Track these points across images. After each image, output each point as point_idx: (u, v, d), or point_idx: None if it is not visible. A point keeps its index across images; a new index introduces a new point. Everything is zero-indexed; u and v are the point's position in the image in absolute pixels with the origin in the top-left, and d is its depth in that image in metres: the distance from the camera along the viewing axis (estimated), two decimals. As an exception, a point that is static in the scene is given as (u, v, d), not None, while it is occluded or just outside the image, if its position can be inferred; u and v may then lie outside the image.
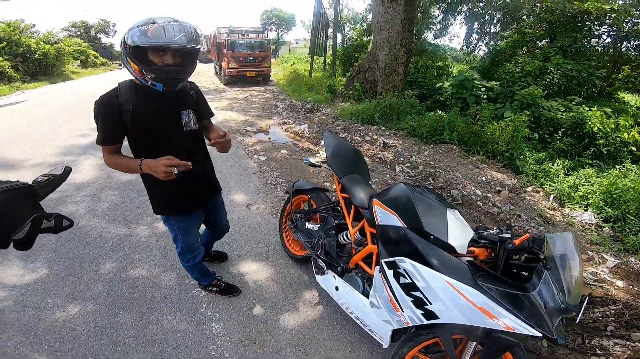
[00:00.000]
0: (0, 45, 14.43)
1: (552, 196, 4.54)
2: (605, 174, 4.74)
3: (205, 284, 2.25)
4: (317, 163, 3.50)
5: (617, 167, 5.11)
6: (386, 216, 1.70)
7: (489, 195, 4.08)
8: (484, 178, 4.54)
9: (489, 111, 5.94)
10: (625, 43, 9.83)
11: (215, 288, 2.26)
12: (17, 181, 0.58)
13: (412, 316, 1.54)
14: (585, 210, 4.24)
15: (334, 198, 3.52)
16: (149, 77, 1.35)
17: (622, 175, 4.55)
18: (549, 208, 4.26)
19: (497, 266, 1.43)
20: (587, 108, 6.16)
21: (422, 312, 1.48)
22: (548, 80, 6.95)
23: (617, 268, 3.14)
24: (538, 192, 4.65)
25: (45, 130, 6.32)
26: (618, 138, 5.70)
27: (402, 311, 1.57)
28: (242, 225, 3.07)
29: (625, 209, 3.91)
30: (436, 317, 1.44)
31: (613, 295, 2.71)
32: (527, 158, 5.17)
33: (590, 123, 5.68)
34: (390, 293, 1.61)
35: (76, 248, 2.71)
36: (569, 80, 7.04)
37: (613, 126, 5.80)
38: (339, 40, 15.19)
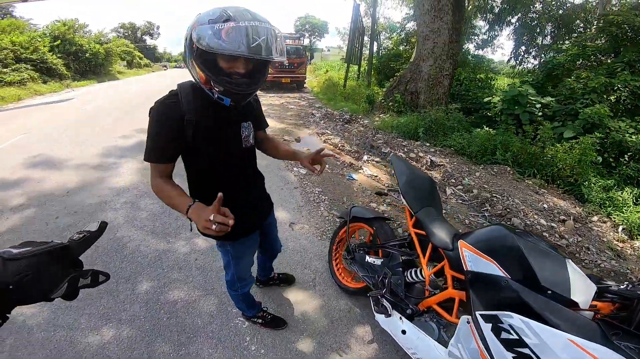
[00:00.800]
0: (55, 44, 15.29)
1: (620, 228, 4.03)
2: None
3: (250, 315, 2.03)
4: (384, 191, 3.26)
5: None
6: (480, 263, 1.45)
7: (553, 224, 3.64)
8: (545, 206, 4.07)
9: (549, 131, 5.42)
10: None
11: (260, 320, 2.04)
12: (52, 241, 0.59)
13: None
14: None
15: (399, 228, 3.24)
16: (217, 89, 1.09)
17: None
18: (617, 240, 3.75)
19: (630, 323, 1.19)
20: None
21: None
22: (614, 98, 6.29)
23: None
24: (605, 222, 4.13)
25: (90, 129, 6.49)
26: None
27: None
28: (287, 247, 2.84)
29: None
30: None
31: None
32: (593, 185, 4.63)
33: None
34: (483, 347, 1.38)
35: (113, 261, 2.59)
36: (638, 99, 6.35)
37: None
38: (374, 49, 14.92)
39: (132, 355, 1.83)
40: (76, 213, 3.25)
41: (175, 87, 1.20)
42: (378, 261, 2.05)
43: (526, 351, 1.25)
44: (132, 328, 2.00)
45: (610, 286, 1.34)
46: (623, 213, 4.24)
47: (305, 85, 14.42)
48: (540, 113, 6.56)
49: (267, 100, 10.71)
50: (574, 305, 1.25)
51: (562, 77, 7.77)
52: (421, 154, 5.17)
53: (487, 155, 5.37)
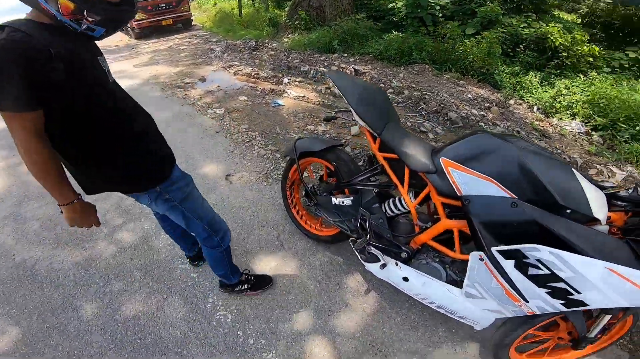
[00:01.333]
0: None
1: (535, 108, 4.46)
2: (581, 83, 4.76)
3: (235, 282, 1.74)
4: (330, 115, 2.91)
5: (581, 76, 5.13)
6: (475, 184, 1.22)
7: (483, 113, 3.77)
8: (469, 96, 4.21)
9: (457, 30, 5.66)
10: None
11: (245, 285, 1.77)
12: None
13: (542, 306, 1.17)
14: (572, 119, 4.19)
15: (354, 152, 2.91)
16: (92, 19, 0.96)
17: (609, 85, 4.50)
18: (536, 120, 4.13)
19: None
20: (544, 24, 6.10)
21: (563, 302, 1.13)
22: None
23: (624, 181, 3.05)
24: (521, 104, 4.51)
25: None
26: (579, 51, 5.70)
27: (527, 302, 1.19)
28: (231, 205, 2.38)
29: (614, 117, 3.86)
30: (584, 305, 1.11)
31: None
32: (502, 72, 5.03)
33: (552, 37, 5.62)
34: (507, 285, 1.20)
35: (33, 293, 1.89)
36: None
37: (571, 40, 5.80)
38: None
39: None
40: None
41: None
42: (348, 201, 1.73)
43: (561, 285, 1.10)
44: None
45: (617, 192, 1.22)
46: (533, 94, 4.68)
47: (193, 23, 12.32)
48: (440, 15, 6.75)
49: (151, 47, 8.82)
50: (593, 222, 1.10)
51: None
52: (343, 65, 4.86)
53: (405, 57, 5.37)
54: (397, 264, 1.55)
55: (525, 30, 5.88)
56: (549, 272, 1.10)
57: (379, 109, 1.58)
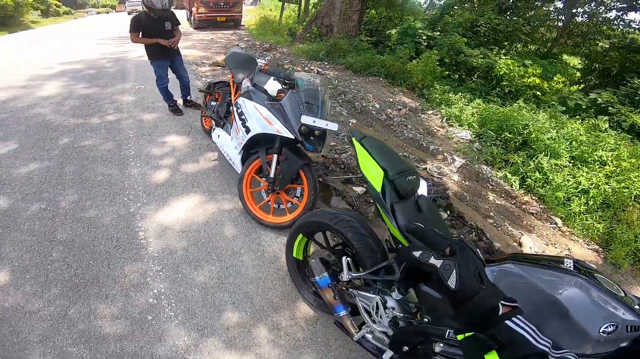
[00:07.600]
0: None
1: (444, 118, 5.62)
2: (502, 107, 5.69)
3: (169, 104, 4.28)
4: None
5: (515, 104, 6.13)
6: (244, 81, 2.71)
7: (387, 109, 5.10)
8: (391, 100, 5.55)
9: (407, 52, 6.95)
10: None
11: (171, 108, 4.29)
12: None
13: (242, 134, 2.41)
14: (465, 129, 5.34)
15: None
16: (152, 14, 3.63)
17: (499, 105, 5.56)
18: (438, 126, 5.32)
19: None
20: (499, 57, 7.06)
21: (245, 129, 2.37)
22: (471, 32, 7.91)
23: (462, 169, 4.14)
24: (436, 115, 5.70)
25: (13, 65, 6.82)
26: (522, 82, 6.71)
27: (239, 133, 2.44)
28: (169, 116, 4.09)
29: (488, 127, 5.00)
30: (250, 130, 2.31)
31: (446, 183, 3.64)
32: (436, 90, 6.19)
33: (497, 68, 6.63)
34: (235, 123, 2.52)
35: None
36: (496, 33, 8.01)
37: (522, 72, 6.76)
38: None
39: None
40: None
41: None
42: (216, 103, 3.28)
43: (243, 116, 2.37)
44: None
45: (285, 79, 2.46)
46: (451, 110, 5.80)
47: (242, 24, 14.66)
48: (425, 43, 7.98)
49: (199, 37, 11.07)
50: (266, 92, 2.38)
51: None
52: (312, 68, 6.41)
53: (368, 69, 6.76)
54: (217, 128, 2.99)
55: (479, 60, 6.88)
56: (240, 110, 2.41)
57: (238, 62, 3.01)
